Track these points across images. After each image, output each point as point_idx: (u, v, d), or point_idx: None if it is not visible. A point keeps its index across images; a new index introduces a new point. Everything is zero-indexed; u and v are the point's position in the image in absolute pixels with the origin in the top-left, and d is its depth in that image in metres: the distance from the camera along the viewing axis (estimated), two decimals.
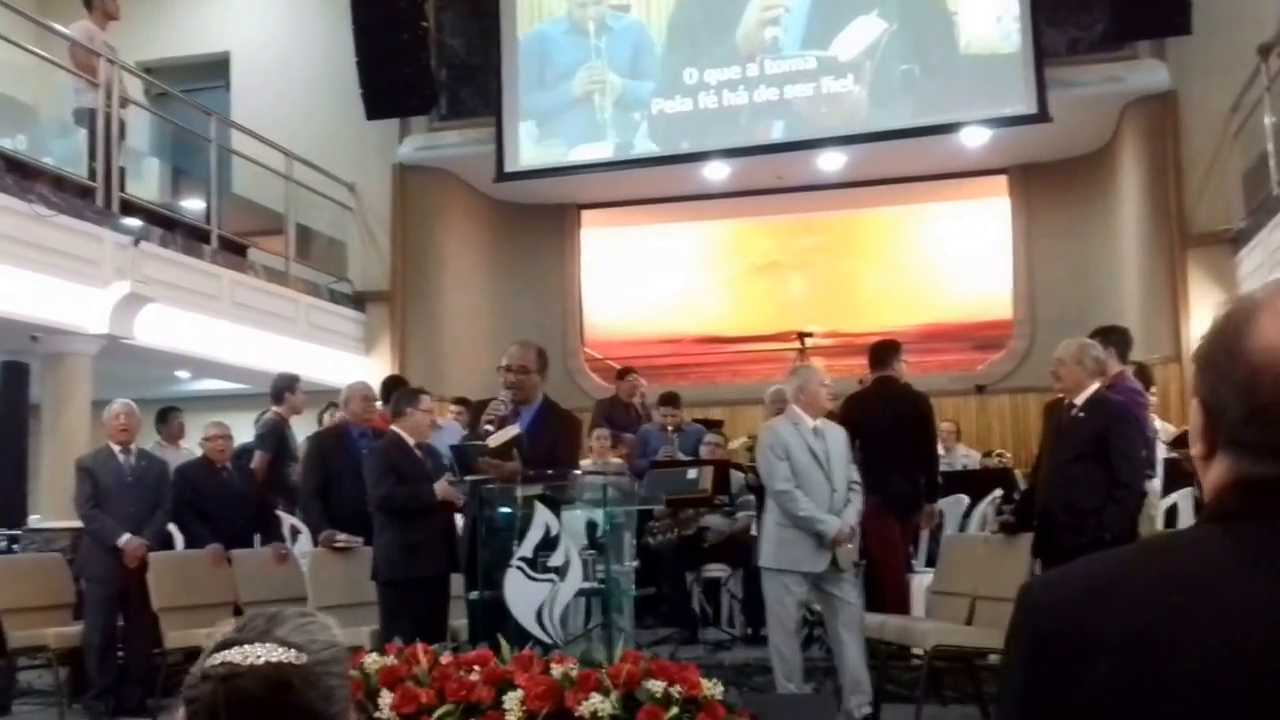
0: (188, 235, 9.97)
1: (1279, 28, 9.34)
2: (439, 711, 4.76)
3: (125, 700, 7.17)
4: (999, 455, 10.67)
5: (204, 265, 9.95)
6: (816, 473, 6.10)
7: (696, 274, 13.46)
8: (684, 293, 13.41)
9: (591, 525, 5.97)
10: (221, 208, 10.75)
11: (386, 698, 4.85)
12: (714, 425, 9.84)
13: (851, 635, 6.07)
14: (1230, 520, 1.10)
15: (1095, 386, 5.93)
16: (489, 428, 5.69)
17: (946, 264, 12.76)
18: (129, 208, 9.12)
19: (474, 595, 5.52)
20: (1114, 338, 6.81)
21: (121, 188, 9.08)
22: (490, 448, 5.60)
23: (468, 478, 5.75)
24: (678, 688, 4.58)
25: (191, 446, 8.79)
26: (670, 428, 9.30)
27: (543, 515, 5.31)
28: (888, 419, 6.96)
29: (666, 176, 12.11)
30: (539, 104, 11.94)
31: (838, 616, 6.12)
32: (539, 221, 13.29)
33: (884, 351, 7.53)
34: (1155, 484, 6.63)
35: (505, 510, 5.49)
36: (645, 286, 13.48)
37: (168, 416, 9.02)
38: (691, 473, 8.04)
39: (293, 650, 1.42)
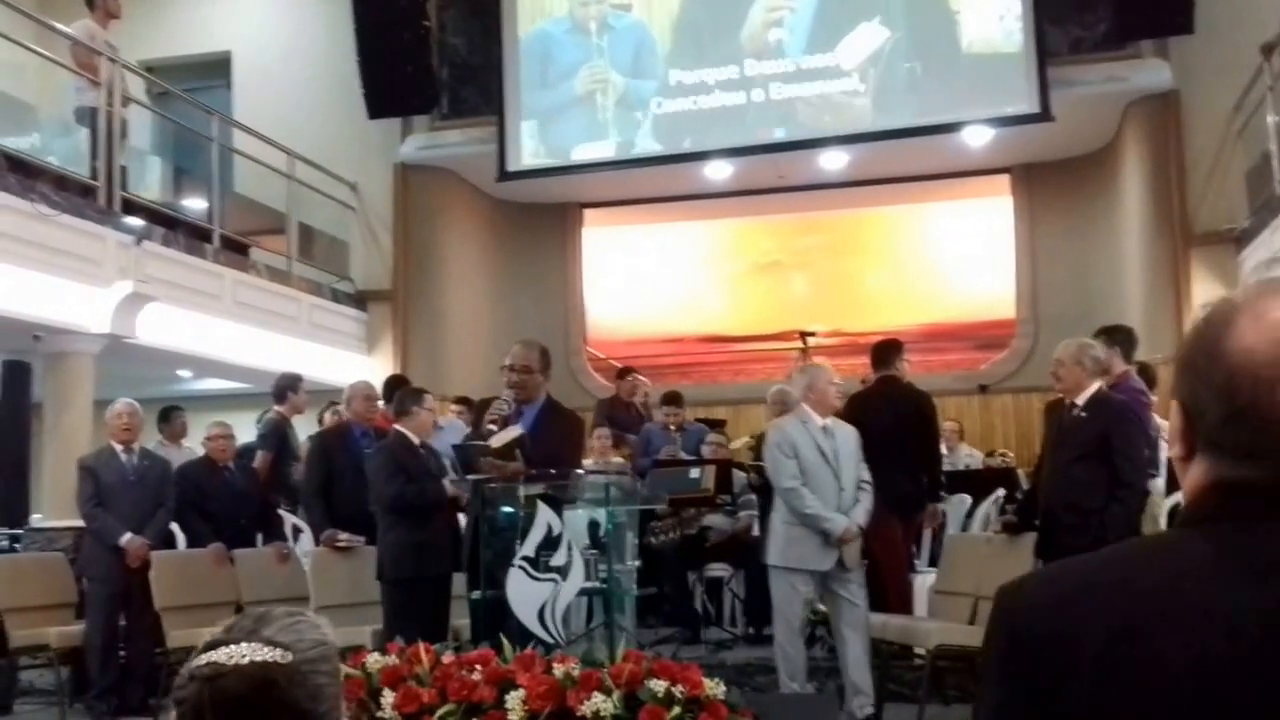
0: (190, 234, 9.97)
1: None
2: (441, 711, 4.76)
3: (127, 700, 7.17)
4: (1002, 455, 10.67)
5: (206, 264, 9.95)
6: (824, 471, 6.09)
7: (698, 273, 13.45)
8: (686, 292, 13.41)
9: (594, 525, 5.97)
10: (223, 207, 10.75)
11: (388, 697, 4.85)
12: (716, 425, 9.84)
13: (856, 636, 6.07)
14: (1208, 523, 1.10)
15: (1096, 386, 5.93)
16: (492, 427, 5.68)
17: (949, 263, 12.75)
18: (131, 207, 9.12)
19: (476, 595, 5.52)
20: (1119, 337, 6.80)
21: (123, 187, 9.08)
22: (493, 448, 5.59)
23: (470, 477, 5.74)
24: (680, 687, 4.58)
25: (194, 446, 8.78)
26: (673, 427, 9.29)
27: (545, 514, 5.30)
28: (890, 418, 6.95)
29: (668, 176, 12.10)
30: (541, 103, 11.93)
31: (843, 617, 6.11)
32: (541, 221, 13.28)
33: (886, 351, 7.52)
34: (1159, 483, 6.62)
35: (507, 509, 5.48)
36: (647, 286, 13.47)
37: (170, 416, 9.01)
38: (694, 472, 8.04)
39: (278, 649, 1.42)
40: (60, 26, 9.15)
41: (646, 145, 11.67)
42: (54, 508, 8.50)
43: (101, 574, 7.23)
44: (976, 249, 12.62)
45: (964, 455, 10.39)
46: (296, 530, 8.25)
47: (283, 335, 10.77)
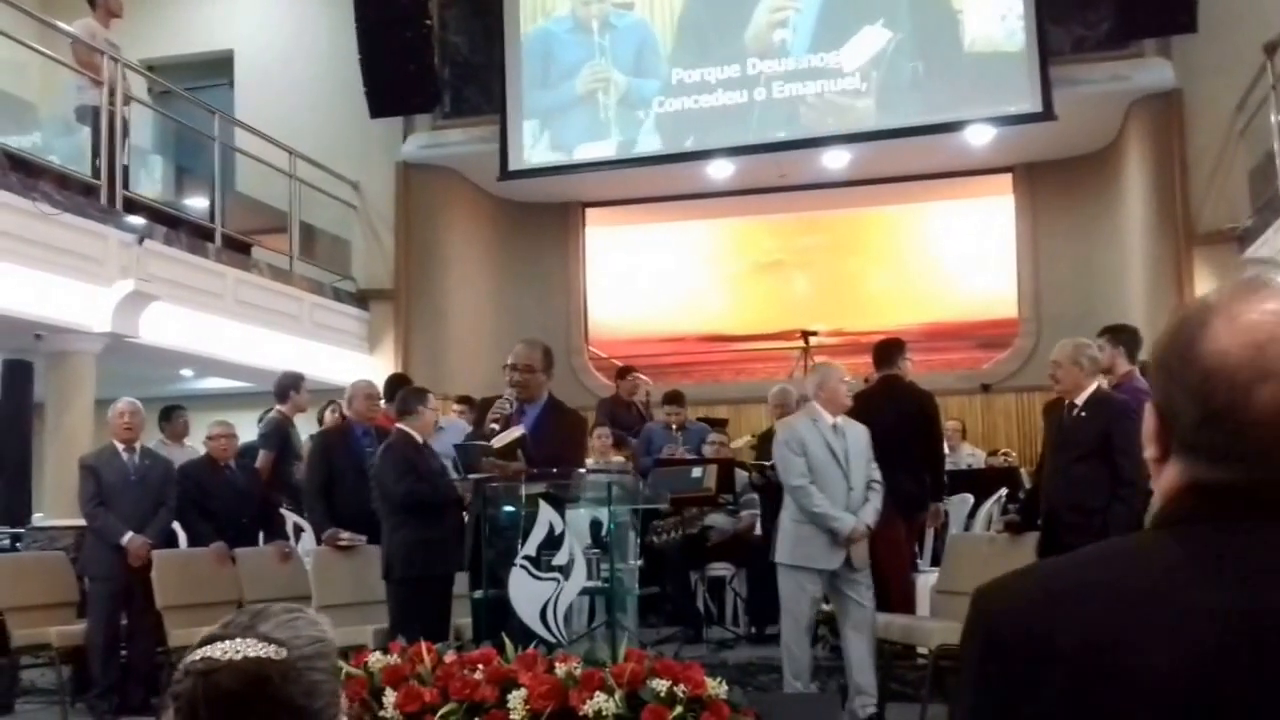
0: (192, 233, 9.97)
1: None
2: (443, 710, 4.76)
3: (128, 699, 7.16)
4: (1005, 454, 10.66)
5: (208, 263, 9.95)
6: (834, 470, 6.08)
7: (700, 272, 13.44)
8: (688, 291, 13.40)
9: (596, 524, 5.98)
10: (225, 206, 10.74)
11: (390, 696, 4.84)
12: (718, 424, 9.83)
13: (861, 637, 6.06)
14: (1184, 525, 1.10)
15: (1095, 386, 5.94)
16: (494, 426, 5.68)
17: (951, 263, 12.74)
18: (133, 206, 9.12)
19: (478, 594, 5.52)
20: (1123, 337, 6.79)
21: (125, 186, 9.08)
22: (495, 448, 5.59)
23: (471, 476, 5.74)
24: (682, 687, 4.58)
25: (195, 445, 8.78)
26: (674, 426, 9.29)
27: (547, 514, 5.30)
28: (892, 418, 6.93)
29: (670, 175, 12.10)
30: (543, 102, 11.92)
31: (849, 618, 6.10)
32: (543, 220, 13.28)
33: (888, 350, 7.51)
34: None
35: (509, 509, 5.48)
36: (649, 285, 13.47)
37: (172, 415, 9.00)
38: (696, 471, 8.04)
39: (272, 645, 1.43)
40: (62, 25, 9.15)
41: (648, 144, 11.67)
42: (55, 507, 8.50)
43: (103, 573, 7.23)
44: (979, 248, 12.61)
45: (966, 455, 10.38)
46: (298, 529, 8.24)
47: (284, 334, 10.77)
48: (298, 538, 8.18)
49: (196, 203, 11.04)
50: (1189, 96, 10.55)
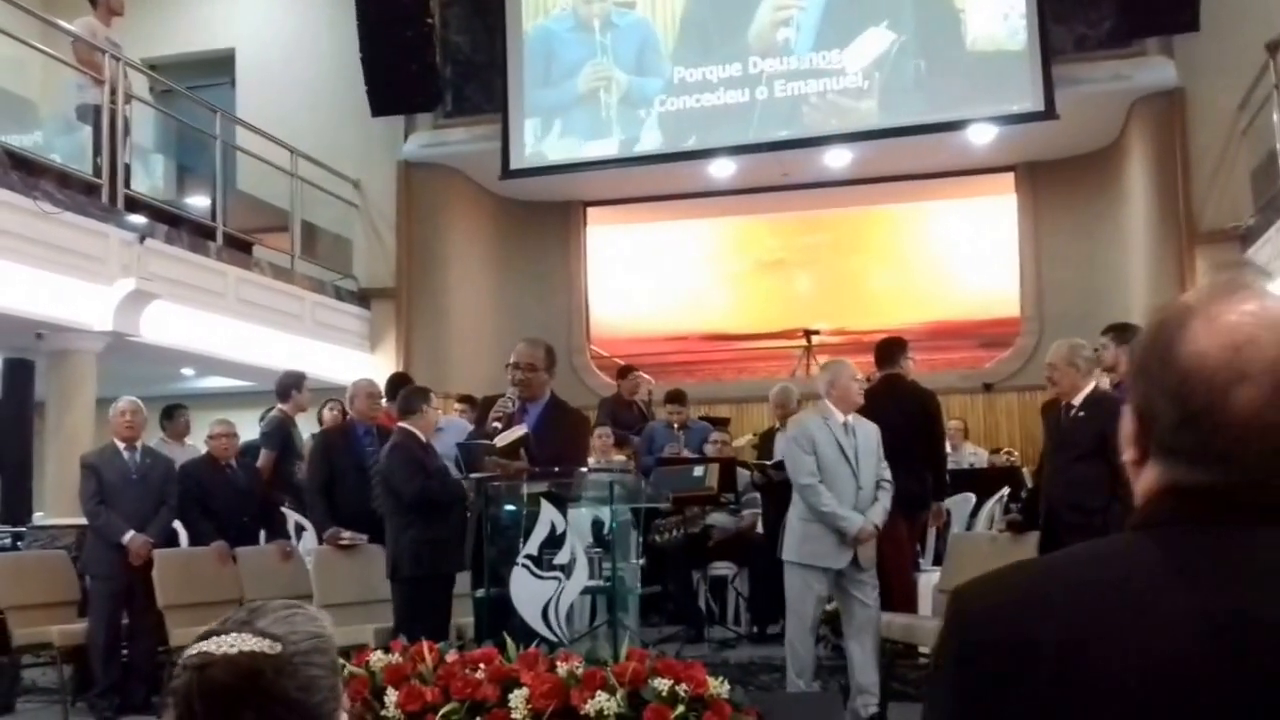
0: (193, 232, 9.96)
1: None
2: (444, 709, 4.75)
3: (129, 698, 7.16)
4: (1008, 453, 10.65)
5: (209, 262, 9.94)
6: (844, 468, 6.06)
7: (702, 271, 13.44)
8: (690, 290, 13.40)
9: (597, 523, 5.96)
10: (227, 205, 10.73)
11: (392, 696, 4.84)
12: (720, 423, 9.83)
13: (865, 637, 6.05)
14: (1161, 528, 1.10)
15: (1092, 385, 5.95)
16: (497, 425, 5.67)
17: (953, 262, 12.73)
18: (134, 204, 9.11)
19: (480, 593, 5.51)
20: (1126, 336, 6.77)
21: (126, 184, 9.07)
22: (498, 447, 5.58)
23: (473, 475, 5.73)
24: (684, 686, 4.58)
25: (196, 444, 8.77)
26: (676, 425, 9.28)
27: (548, 513, 5.30)
28: (894, 417, 6.92)
29: (672, 174, 12.09)
30: (544, 101, 11.92)
31: (854, 617, 6.09)
32: (544, 218, 13.28)
33: (890, 349, 7.50)
34: None
35: (511, 508, 5.47)
36: (651, 284, 13.47)
37: (173, 414, 9.00)
38: (697, 470, 8.03)
39: (268, 640, 1.42)
40: (63, 24, 9.14)
41: (650, 143, 11.66)
42: (57, 506, 8.50)
43: (104, 572, 7.22)
44: (981, 247, 12.60)
45: (968, 454, 10.37)
46: (299, 528, 8.24)
47: (286, 333, 10.76)
48: (299, 537, 8.17)
49: (198, 201, 11.03)
50: (1191, 95, 10.54)
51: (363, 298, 12.23)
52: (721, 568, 8.35)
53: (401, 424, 6.68)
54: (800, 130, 11.25)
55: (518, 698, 4.64)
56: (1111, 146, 11.67)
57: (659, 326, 13.34)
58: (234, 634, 1.43)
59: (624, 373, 10.38)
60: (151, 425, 8.22)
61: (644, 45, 11.76)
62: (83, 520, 7.47)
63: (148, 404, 7.81)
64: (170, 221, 9.69)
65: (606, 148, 11.81)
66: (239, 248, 10.64)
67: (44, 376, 9.00)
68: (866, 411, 6.44)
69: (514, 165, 11.85)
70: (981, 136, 11.08)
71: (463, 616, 6.42)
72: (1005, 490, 8.34)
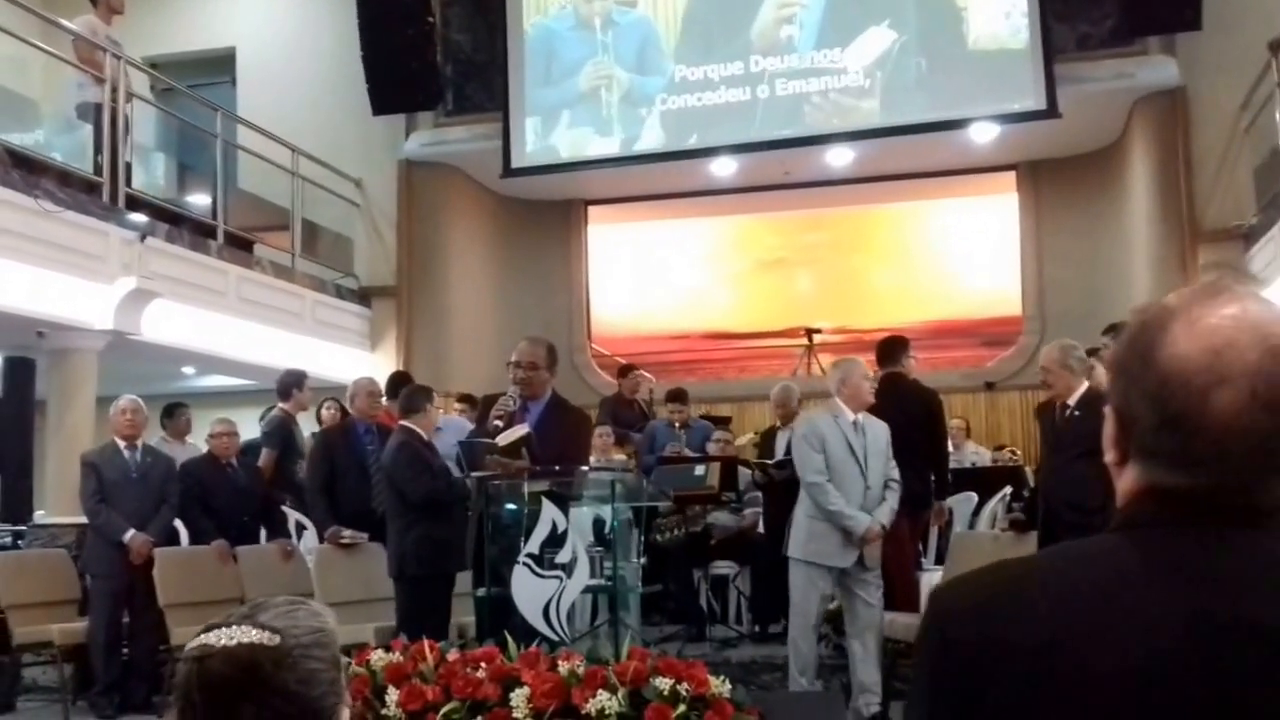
0: (194, 231, 9.95)
1: None
2: (445, 709, 4.74)
3: (130, 697, 7.15)
4: (1011, 451, 10.63)
5: (210, 261, 9.93)
6: (852, 467, 6.05)
7: (703, 270, 13.42)
8: (691, 289, 13.39)
9: (599, 522, 5.95)
10: (228, 203, 10.72)
11: (393, 695, 4.83)
12: (721, 422, 9.82)
13: (868, 636, 6.04)
14: (1140, 530, 1.10)
15: (1086, 385, 5.98)
16: (498, 423, 5.66)
17: (955, 260, 12.72)
18: (135, 203, 9.10)
19: (481, 592, 5.50)
20: None
21: (127, 183, 9.05)
22: (499, 446, 5.57)
23: (474, 474, 5.72)
24: (685, 685, 4.57)
25: (197, 442, 8.77)
26: (677, 424, 9.27)
27: (550, 511, 5.28)
28: (896, 416, 6.90)
29: (673, 172, 12.08)
30: (545, 99, 11.91)
31: (857, 617, 6.08)
32: (545, 217, 13.27)
33: (892, 348, 7.48)
34: None
35: (512, 507, 5.46)
36: (652, 282, 13.45)
37: (174, 412, 8.99)
38: (699, 469, 8.02)
39: (267, 632, 1.43)
40: (64, 22, 9.13)
41: (651, 141, 11.65)
42: (57, 504, 8.49)
43: (105, 570, 7.22)
44: (983, 246, 12.59)
45: (970, 453, 10.36)
46: (300, 527, 8.23)
47: (287, 332, 10.75)
48: (300, 536, 8.17)
49: (198, 200, 11.02)
50: (1193, 94, 10.53)
51: (363, 296, 12.23)
52: (723, 567, 8.33)
53: (404, 422, 6.67)
54: (802, 129, 11.24)
55: (519, 697, 4.63)
56: (1113, 145, 11.66)
57: (660, 325, 13.33)
58: (235, 627, 1.44)
59: (625, 371, 10.37)
60: (152, 424, 8.21)
61: (645, 43, 11.75)
62: (83, 519, 7.47)
63: (148, 403, 7.81)
64: (171, 220, 9.69)
65: (607, 146, 11.80)
66: (240, 246, 10.63)
67: (45, 375, 9.00)
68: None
69: (515, 164, 11.84)
70: (983, 135, 11.07)
71: (464, 615, 6.42)
72: (1007, 489, 8.32)
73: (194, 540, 7.73)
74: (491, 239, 13.05)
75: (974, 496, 8.42)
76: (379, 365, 11.28)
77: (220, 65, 12.98)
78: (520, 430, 5.63)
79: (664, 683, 4.56)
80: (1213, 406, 1.05)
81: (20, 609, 7.19)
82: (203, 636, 1.44)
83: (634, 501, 5.81)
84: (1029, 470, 8.78)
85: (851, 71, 11.03)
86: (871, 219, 13.10)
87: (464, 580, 6.16)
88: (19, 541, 8.88)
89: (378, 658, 5.04)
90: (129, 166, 9.21)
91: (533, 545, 5.25)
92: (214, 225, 10.25)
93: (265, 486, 8.16)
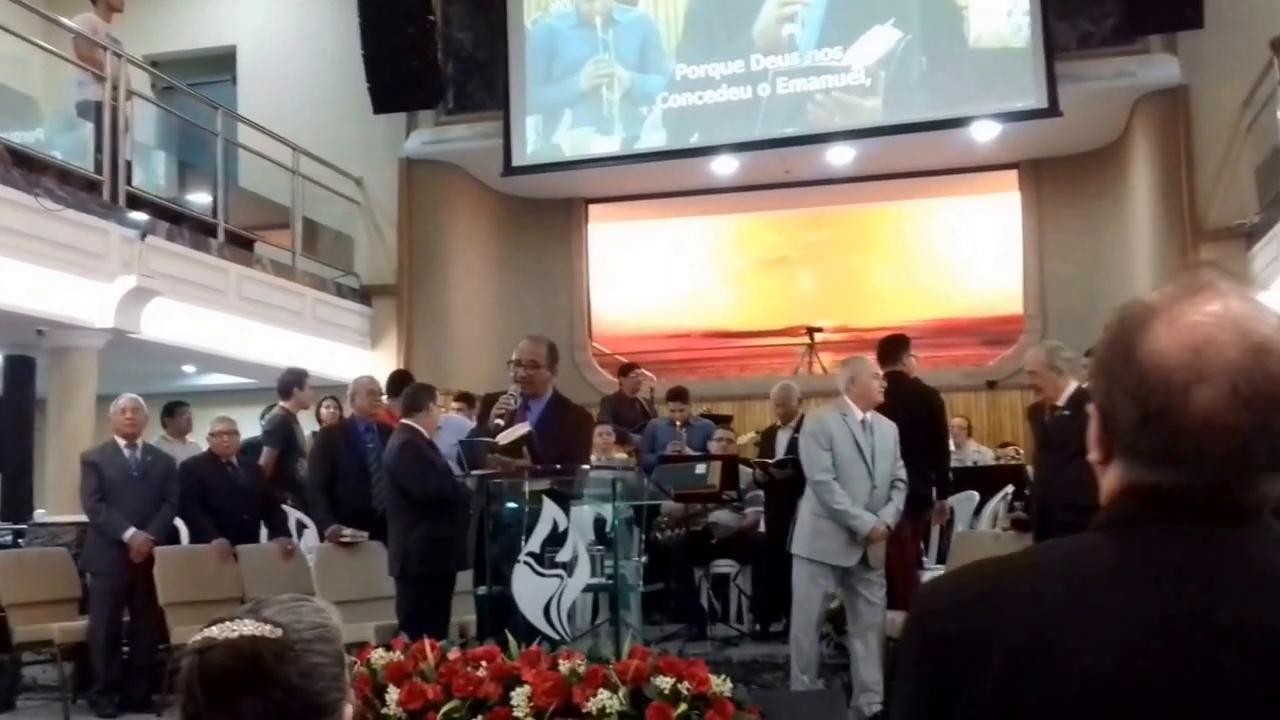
0: (194, 229, 9.94)
1: None
2: (446, 707, 4.74)
3: (130, 695, 7.15)
4: (1015, 449, 10.61)
5: (211, 259, 9.92)
6: (859, 466, 6.04)
7: (705, 268, 13.41)
8: (692, 287, 13.38)
9: (600, 520, 5.95)
10: (228, 202, 10.70)
11: (393, 693, 4.82)
12: (722, 420, 9.81)
13: (870, 635, 6.04)
14: (1121, 528, 1.10)
15: (1075, 384, 6.01)
16: (499, 422, 5.65)
17: (956, 259, 12.71)
18: (135, 201, 9.09)
19: (482, 590, 5.49)
20: None
21: (128, 181, 9.04)
22: (500, 445, 5.56)
23: (475, 473, 5.71)
24: (686, 684, 4.56)
25: (198, 441, 8.76)
26: (678, 422, 9.26)
27: (550, 510, 5.28)
28: (897, 414, 6.89)
29: (674, 171, 12.07)
30: (546, 98, 11.90)
31: (860, 617, 6.07)
32: (546, 216, 13.26)
33: (893, 346, 7.46)
34: None
35: (513, 505, 5.45)
36: (653, 281, 13.44)
37: (175, 411, 8.99)
38: (700, 468, 8.01)
39: (269, 626, 1.44)
40: (64, 20, 9.12)
41: (652, 140, 11.64)
42: (58, 503, 8.48)
43: (105, 569, 7.21)
44: (984, 244, 12.58)
45: (972, 452, 10.35)
46: (301, 526, 8.23)
47: (287, 330, 10.75)
48: (300, 534, 8.16)
49: (199, 198, 11.01)
50: (1195, 92, 10.52)
51: (364, 295, 12.22)
52: (724, 565, 8.32)
53: (406, 421, 6.65)
54: (804, 127, 11.23)
55: (519, 695, 4.62)
56: (1115, 144, 11.65)
57: (661, 323, 13.33)
58: (238, 621, 1.45)
59: (626, 370, 10.36)
60: (153, 423, 8.21)
61: (646, 42, 11.74)
62: (84, 518, 7.46)
63: (149, 401, 7.80)
64: (172, 218, 9.67)
65: (609, 145, 11.79)
66: (240, 245, 10.62)
67: (45, 373, 8.99)
68: None
69: (516, 162, 11.83)
70: (985, 134, 11.06)
71: (465, 614, 6.41)
72: (1009, 488, 8.31)
73: (194, 539, 7.74)
74: (492, 237, 13.04)
75: (975, 495, 8.41)
76: (380, 364, 11.27)
77: (221, 63, 12.97)
78: (521, 429, 5.61)
79: (665, 682, 4.55)
80: (1193, 404, 1.05)
81: (20, 607, 7.18)
82: (206, 630, 1.45)
83: (635, 500, 5.81)
84: (1030, 469, 8.76)
85: (853, 70, 11.02)
86: (873, 218, 13.10)
87: (465, 579, 6.15)
88: (19, 540, 8.87)
89: (378, 656, 5.04)
90: (129, 165, 9.19)
91: (534, 544, 5.25)
92: (214, 224, 10.24)
93: (266, 485, 8.16)
